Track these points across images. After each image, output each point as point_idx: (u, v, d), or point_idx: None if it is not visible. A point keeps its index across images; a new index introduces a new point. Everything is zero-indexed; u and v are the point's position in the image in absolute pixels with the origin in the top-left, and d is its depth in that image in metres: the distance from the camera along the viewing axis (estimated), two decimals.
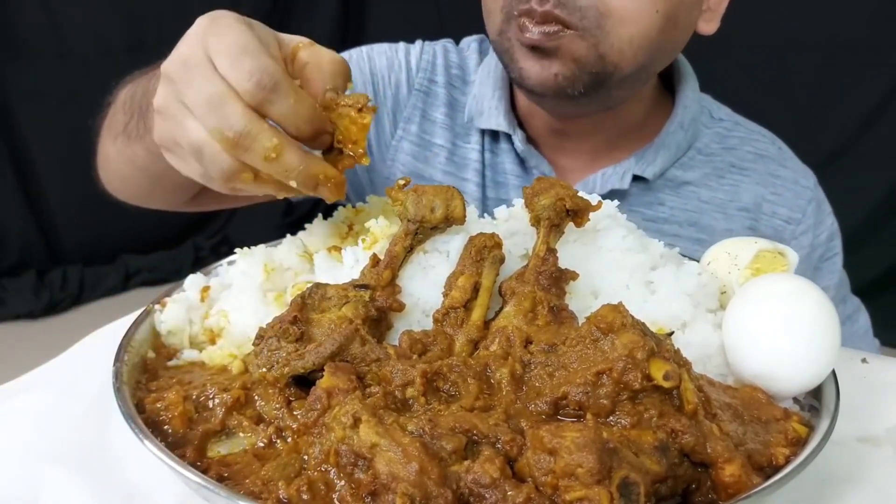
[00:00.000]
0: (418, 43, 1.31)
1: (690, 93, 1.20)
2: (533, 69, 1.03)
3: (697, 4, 1.08)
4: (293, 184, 0.72)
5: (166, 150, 0.77)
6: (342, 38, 3.51)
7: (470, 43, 1.33)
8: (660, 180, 1.19)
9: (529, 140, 1.21)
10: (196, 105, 0.71)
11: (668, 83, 1.23)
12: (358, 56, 1.29)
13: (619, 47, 1.00)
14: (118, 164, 1.09)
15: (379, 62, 1.29)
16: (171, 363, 0.77)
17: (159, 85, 0.76)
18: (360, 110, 0.74)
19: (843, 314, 1.23)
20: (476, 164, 1.23)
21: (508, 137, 1.20)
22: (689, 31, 1.10)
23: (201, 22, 0.75)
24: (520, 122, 1.21)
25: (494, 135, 1.23)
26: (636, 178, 1.17)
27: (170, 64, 0.75)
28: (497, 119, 1.19)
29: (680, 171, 1.20)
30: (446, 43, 1.32)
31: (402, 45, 1.31)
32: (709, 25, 1.12)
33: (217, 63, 0.71)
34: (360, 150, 0.75)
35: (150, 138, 0.95)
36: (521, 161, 1.21)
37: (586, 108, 1.11)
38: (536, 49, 1.01)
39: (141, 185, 1.11)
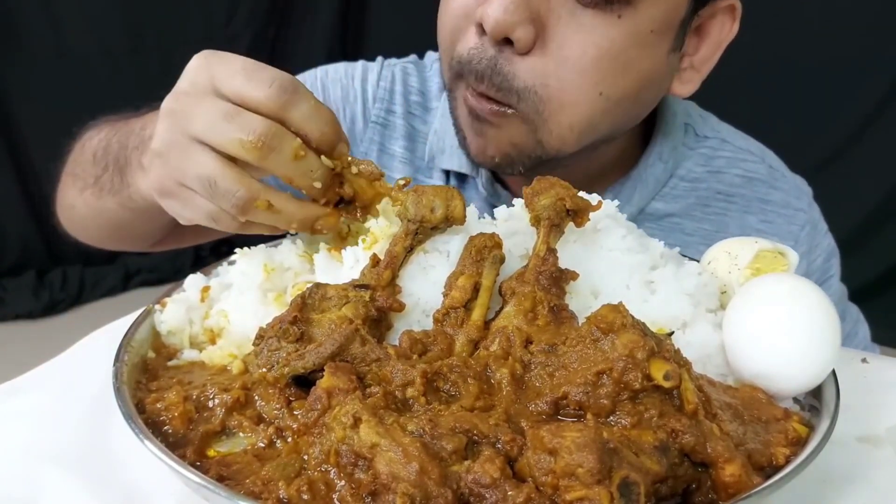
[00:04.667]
0: (378, 62, 1.22)
1: (670, 118, 1.12)
2: (473, 143, 0.98)
3: (668, 74, 0.99)
4: (317, 185, 0.73)
5: (166, 196, 0.75)
6: (341, 40, 3.51)
7: (433, 62, 1.23)
8: (640, 215, 1.12)
9: (497, 178, 1.13)
10: (209, 125, 0.70)
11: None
12: (312, 83, 1.21)
13: (559, 133, 0.93)
14: (84, 214, 1.08)
15: (333, 92, 1.20)
16: (171, 363, 0.76)
17: (158, 124, 0.74)
18: (371, 182, 0.77)
19: (842, 332, 1.19)
20: None
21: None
22: (656, 98, 1.04)
23: (199, 56, 0.75)
24: None
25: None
26: None
27: (170, 99, 0.74)
28: (459, 159, 1.11)
29: (661, 203, 1.13)
30: (407, 64, 1.23)
31: (359, 67, 1.22)
32: (685, 87, 1.02)
33: (228, 84, 0.71)
34: (368, 216, 0.78)
35: (126, 193, 0.95)
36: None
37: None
38: (479, 117, 0.95)
39: (107, 233, 1.11)
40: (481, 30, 0.91)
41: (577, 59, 0.89)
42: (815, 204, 1.19)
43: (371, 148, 1.19)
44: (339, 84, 1.21)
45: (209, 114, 0.71)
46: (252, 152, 0.70)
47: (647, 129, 1.14)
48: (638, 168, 1.11)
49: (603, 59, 0.89)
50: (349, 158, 0.77)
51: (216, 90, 0.72)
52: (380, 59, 1.24)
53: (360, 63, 1.23)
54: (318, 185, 0.74)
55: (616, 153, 1.10)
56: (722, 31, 1.00)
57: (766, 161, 1.18)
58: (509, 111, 0.93)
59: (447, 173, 1.16)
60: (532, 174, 1.01)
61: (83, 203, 1.06)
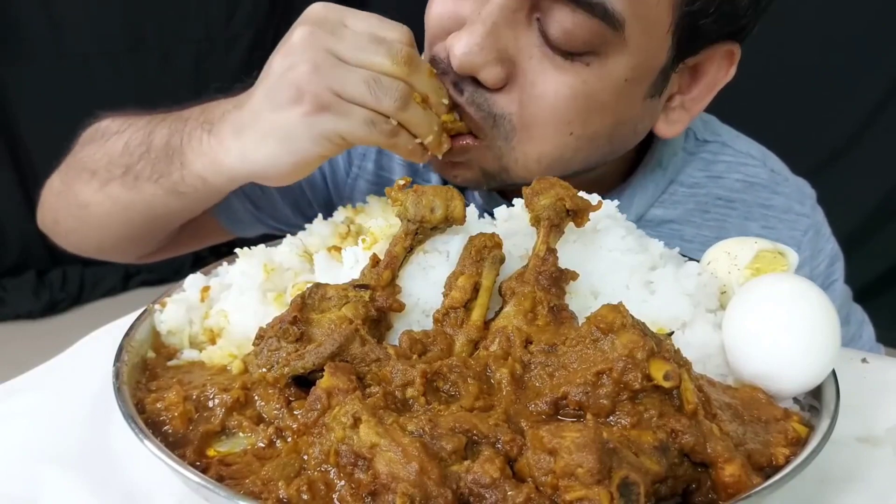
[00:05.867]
0: None
1: None
2: (436, 163, 0.96)
3: (647, 117, 0.97)
4: (445, 101, 0.87)
5: (322, 111, 0.80)
6: None
7: None
8: (638, 222, 1.07)
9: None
10: (358, 48, 0.81)
11: None
12: None
13: (525, 163, 0.92)
14: (104, 211, 1.04)
15: None
16: (171, 363, 0.76)
17: (293, 53, 0.82)
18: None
19: (846, 335, 1.14)
20: None
21: None
22: (633, 138, 1.00)
23: (319, 4, 0.85)
24: None
25: None
26: None
27: (302, 29, 0.82)
28: None
29: (660, 209, 1.10)
30: None
31: None
32: (672, 128, 0.99)
33: (360, 23, 0.83)
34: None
35: (177, 176, 0.94)
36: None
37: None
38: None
39: (127, 230, 1.07)
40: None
41: (551, 98, 0.87)
42: (818, 207, 1.17)
43: (370, 150, 1.17)
44: None
45: (355, 39, 0.82)
46: (403, 67, 0.81)
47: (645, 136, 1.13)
48: (636, 175, 1.09)
49: (576, 100, 0.87)
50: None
51: (346, 27, 0.82)
52: None
53: None
54: (445, 101, 0.87)
55: (609, 168, 1.07)
56: (718, 73, 0.97)
57: (767, 165, 1.16)
58: (476, 142, 0.91)
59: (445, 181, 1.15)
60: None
61: (105, 197, 1.03)
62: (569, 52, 0.85)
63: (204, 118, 0.93)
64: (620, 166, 1.10)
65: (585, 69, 0.86)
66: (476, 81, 0.88)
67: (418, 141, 0.85)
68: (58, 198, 1.11)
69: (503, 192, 1.11)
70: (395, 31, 0.83)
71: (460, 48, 0.84)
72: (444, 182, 1.13)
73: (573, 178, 0.98)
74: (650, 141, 1.10)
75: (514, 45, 0.86)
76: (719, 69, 0.97)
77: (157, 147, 0.97)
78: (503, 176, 0.94)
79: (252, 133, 0.85)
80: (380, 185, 1.16)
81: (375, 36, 0.82)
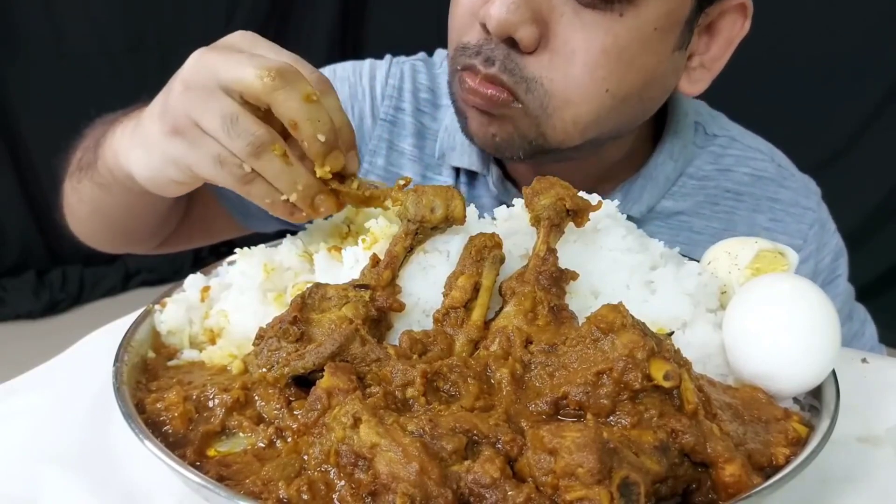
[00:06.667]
0: (386, 60, 1.22)
1: (681, 117, 1.12)
2: (474, 122, 0.97)
3: (674, 72, 0.99)
4: (321, 137, 0.73)
5: (176, 134, 0.75)
6: (341, 40, 3.51)
7: (443, 59, 1.20)
8: (649, 213, 1.12)
9: (507, 176, 1.12)
10: (233, 66, 0.72)
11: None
12: None
13: (563, 128, 0.94)
14: (71, 203, 1.10)
15: (341, 91, 1.16)
16: (171, 363, 0.76)
17: (185, 67, 0.76)
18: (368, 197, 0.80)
19: (849, 333, 1.18)
20: None
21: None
22: (661, 97, 1.03)
23: (239, 32, 0.79)
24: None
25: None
26: None
27: (203, 50, 0.76)
28: (470, 157, 1.12)
29: (670, 201, 1.13)
30: (416, 61, 1.22)
31: (367, 65, 1.22)
32: (694, 86, 1.02)
33: (261, 48, 0.76)
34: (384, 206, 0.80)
35: (95, 167, 0.96)
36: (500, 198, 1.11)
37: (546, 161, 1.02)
38: (483, 110, 0.94)
39: (96, 224, 1.11)
40: (486, 29, 0.91)
41: (583, 55, 0.89)
42: (823, 203, 1.19)
43: (380, 145, 1.19)
44: (347, 82, 1.21)
45: (237, 60, 0.73)
46: (267, 83, 0.71)
47: (656, 128, 1.14)
48: (648, 166, 1.10)
49: (608, 56, 0.89)
50: (356, 176, 0.80)
51: (239, 50, 0.76)
52: (388, 56, 1.23)
53: (368, 61, 1.23)
54: (321, 137, 0.74)
55: (625, 151, 1.10)
56: (733, 28, 1.00)
57: (774, 160, 1.19)
58: (514, 104, 0.92)
59: (457, 171, 1.16)
60: (536, 163, 1.01)
61: (70, 189, 1.07)
62: (602, 1, 0.87)
63: (127, 116, 0.93)
64: (634, 154, 1.12)
65: (618, 21, 0.88)
66: (508, 46, 0.89)
67: (284, 197, 0.76)
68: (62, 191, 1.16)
69: (515, 182, 1.13)
70: (286, 57, 0.75)
71: (496, 9, 0.86)
72: (455, 177, 1.16)
73: (599, 151, 1.03)
74: (661, 134, 1.12)
75: (547, 4, 0.88)
76: (734, 24, 1.00)
77: (95, 139, 0.99)
78: (540, 141, 0.95)
79: (137, 135, 0.83)
80: (390, 181, 1.16)
81: (252, 58, 0.73)
